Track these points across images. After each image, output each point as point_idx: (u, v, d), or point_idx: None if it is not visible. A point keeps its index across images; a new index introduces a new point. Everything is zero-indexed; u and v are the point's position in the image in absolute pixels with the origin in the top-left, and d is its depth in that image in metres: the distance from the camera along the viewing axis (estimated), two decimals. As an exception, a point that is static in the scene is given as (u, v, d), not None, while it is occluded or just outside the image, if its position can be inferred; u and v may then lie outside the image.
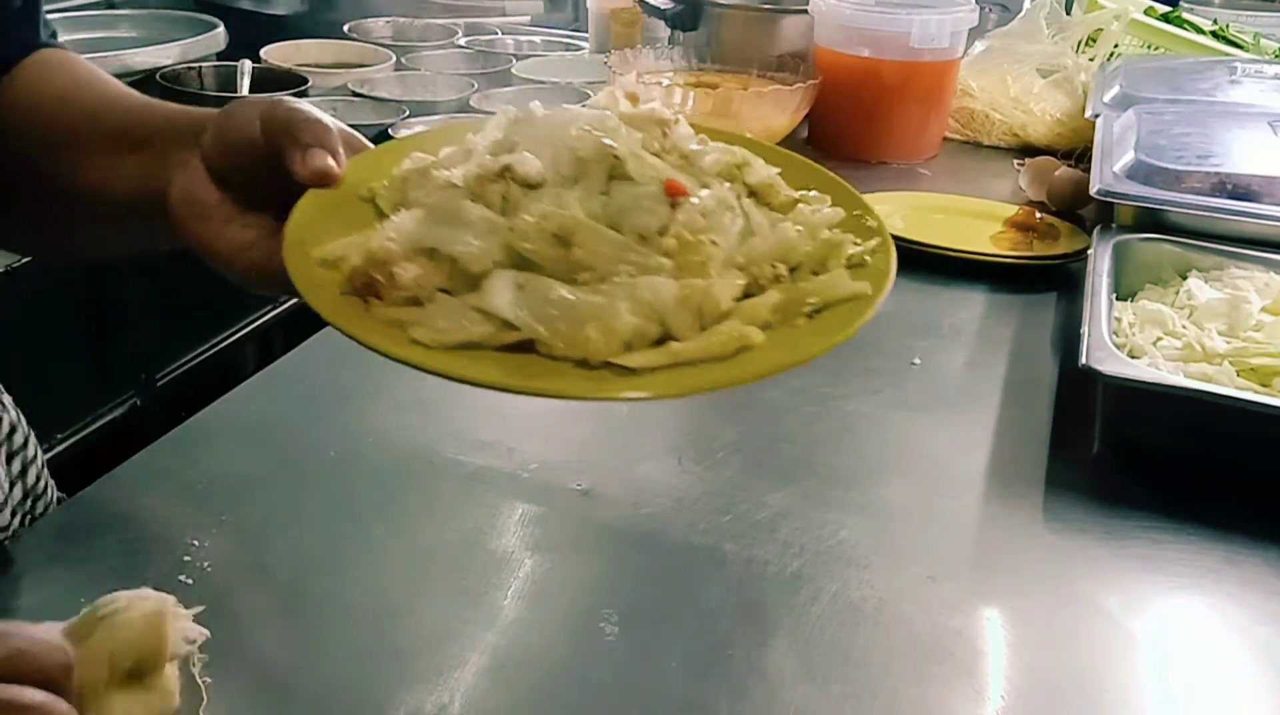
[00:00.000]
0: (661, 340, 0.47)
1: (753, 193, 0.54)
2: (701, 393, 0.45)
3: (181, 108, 0.66)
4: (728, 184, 0.54)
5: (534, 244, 0.47)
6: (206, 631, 0.55)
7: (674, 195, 0.49)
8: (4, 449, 0.77)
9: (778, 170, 0.56)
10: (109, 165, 0.65)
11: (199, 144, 0.60)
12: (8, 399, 0.80)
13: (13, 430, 0.79)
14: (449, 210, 0.49)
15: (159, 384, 1.58)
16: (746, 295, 0.49)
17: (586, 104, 0.58)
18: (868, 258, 0.52)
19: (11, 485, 0.76)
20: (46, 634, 0.48)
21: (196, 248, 0.60)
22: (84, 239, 0.74)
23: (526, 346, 0.46)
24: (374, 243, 0.48)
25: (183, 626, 0.54)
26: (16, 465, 0.79)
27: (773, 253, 0.51)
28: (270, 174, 0.57)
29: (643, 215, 0.49)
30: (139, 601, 0.53)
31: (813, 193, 0.55)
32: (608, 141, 0.50)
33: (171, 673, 0.53)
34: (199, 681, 0.56)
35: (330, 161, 0.55)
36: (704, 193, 0.51)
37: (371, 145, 0.61)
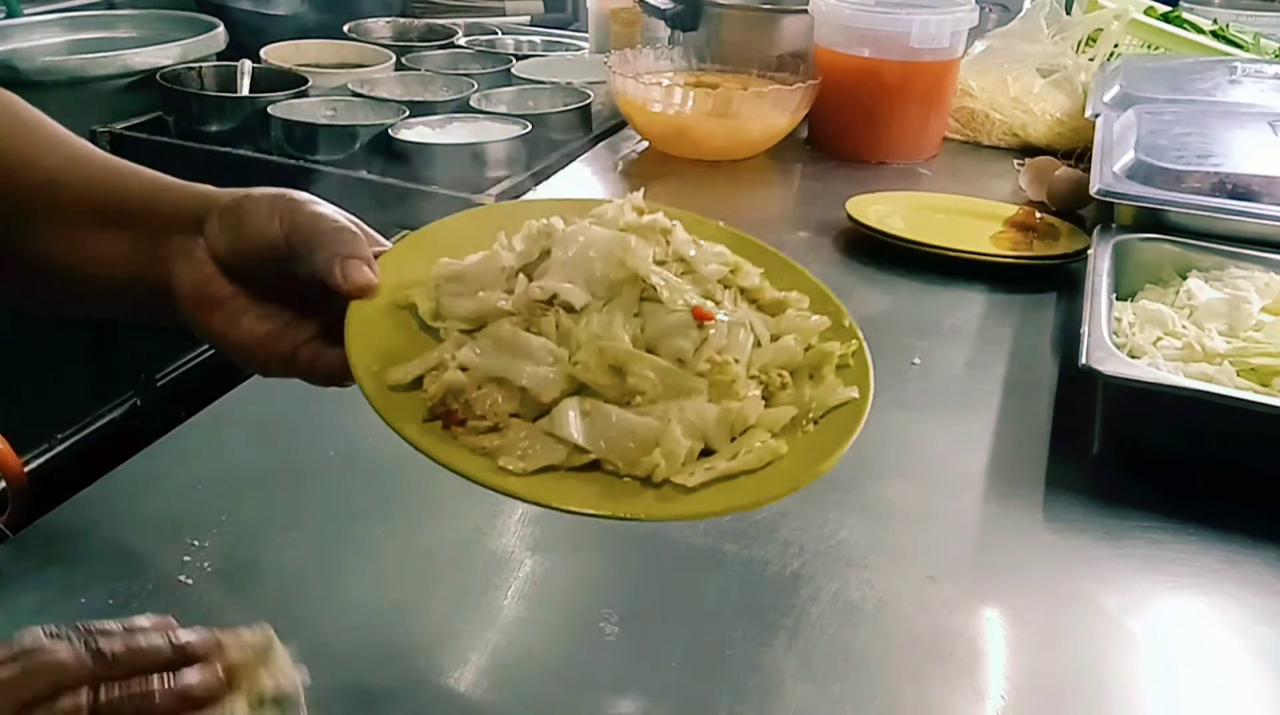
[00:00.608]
0: (703, 451, 0.54)
1: (743, 291, 0.62)
2: (748, 510, 0.55)
3: (167, 183, 0.63)
4: (727, 290, 0.60)
5: (595, 376, 0.54)
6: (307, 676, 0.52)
7: (700, 320, 0.56)
8: None
9: (760, 271, 0.63)
10: (83, 240, 0.62)
11: (203, 234, 0.60)
12: None
13: None
14: (510, 340, 0.55)
15: (159, 384, 1.58)
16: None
17: (596, 213, 0.62)
18: (850, 361, 0.59)
19: None
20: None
21: (210, 339, 0.61)
22: (68, 306, 0.71)
23: (594, 464, 0.53)
24: (449, 375, 0.54)
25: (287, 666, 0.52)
26: None
27: (778, 362, 0.58)
28: (288, 270, 0.57)
29: (677, 340, 0.56)
30: (255, 633, 0.52)
31: (794, 294, 0.63)
32: (640, 269, 0.57)
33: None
34: None
35: (369, 275, 0.58)
36: (721, 314, 0.58)
37: (382, 239, 0.62)
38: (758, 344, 0.59)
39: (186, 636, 0.49)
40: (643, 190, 0.65)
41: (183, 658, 0.48)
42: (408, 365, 0.55)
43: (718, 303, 0.59)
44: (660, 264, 0.59)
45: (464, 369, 0.54)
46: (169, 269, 0.60)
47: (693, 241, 0.62)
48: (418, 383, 0.55)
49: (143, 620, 0.50)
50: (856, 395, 0.57)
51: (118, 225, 0.62)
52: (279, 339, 0.60)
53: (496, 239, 0.61)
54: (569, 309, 0.56)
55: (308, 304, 0.60)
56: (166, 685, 0.47)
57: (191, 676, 0.48)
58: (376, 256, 0.60)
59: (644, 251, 0.59)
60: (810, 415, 0.56)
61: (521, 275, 0.59)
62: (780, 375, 0.58)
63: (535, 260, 0.59)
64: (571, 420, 0.53)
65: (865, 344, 0.60)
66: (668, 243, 0.61)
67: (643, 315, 0.57)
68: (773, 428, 0.55)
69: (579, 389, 0.55)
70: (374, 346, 0.56)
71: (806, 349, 0.60)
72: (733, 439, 0.55)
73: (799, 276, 0.65)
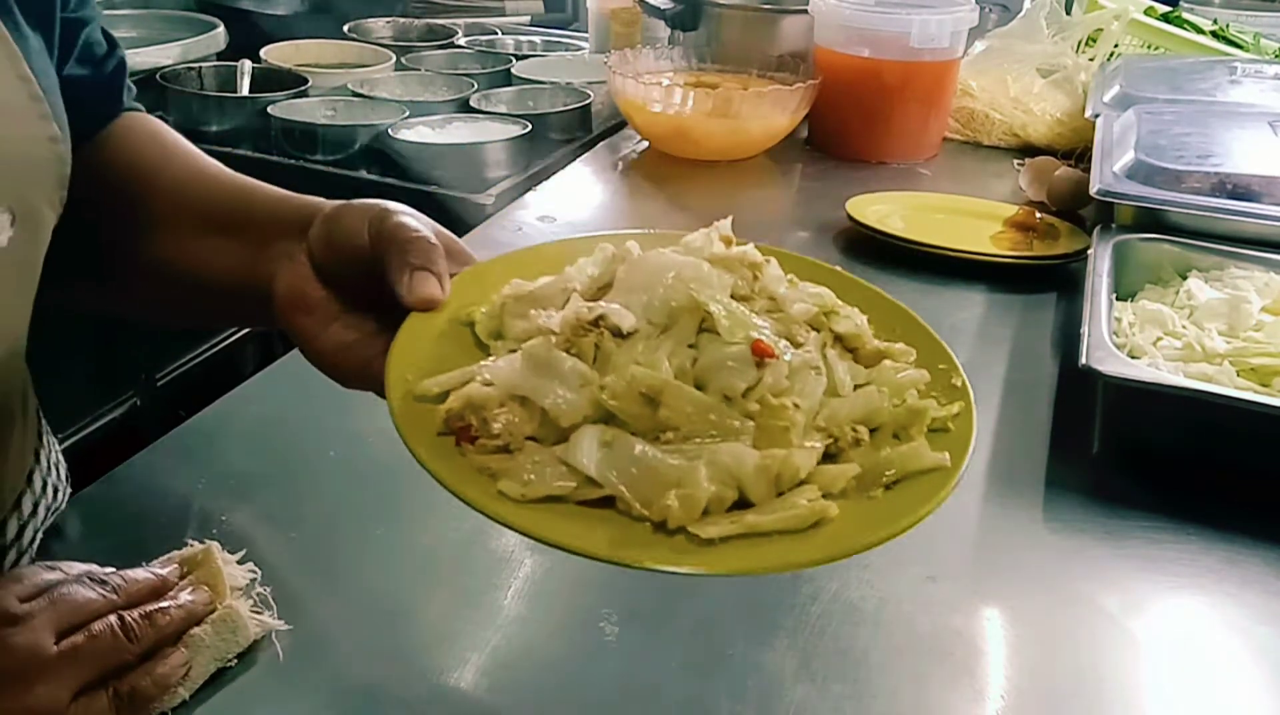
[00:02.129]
0: (738, 504, 0.48)
1: (838, 338, 0.56)
2: (777, 572, 0.49)
3: (283, 194, 0.67)
4: (814, 333, 0.55)
5: (622, 403, 0.49)
6: (256, 570, 0.64)
7: (760, 356, 0.51)
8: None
9: (863, 317, 0.57)
10: (203, 247, 0.66)
11: (305, 238, 0.61)
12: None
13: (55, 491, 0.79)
14: (544, 359, 0.51)
15: (159, 384, 1.58)
16: (826, 454, 0.50)
17: (684, 242, 0.58)
18: (950, 424, 0.52)
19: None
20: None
21: (298, 340, 0.61)
22: (182, 312, 0.76)
23: (606, 500, 0.48)
24: (471, 387, 0.51)
25: (233, 569, 0.63)
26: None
27: (855, 416, 0.52)
28: (376, 280, 0.58)
29: (729, 376, 0.50)
30: (189, 549, 0.63)
31: (899, 345, 0.56)
32: (701, 297, 0.52)
33: (239, 607, 0.60)
34: (265, 611, 0.62)
35: (435, 288, 0.56)
36: (788, 353, 0.52)
37: (473, 255, 0.61)
38: (835, 394, 0.52)
39: (155, 569, 0.60)
40: (729, 218, 0.60)
41: (165, 584, 0.59)
42: (440, 377, 0.52)
43: (797, 345, 0.53)
44: (743, 300, 0.55)
45: (489, 385, 0.51)
46: (272, 272, 0.62)
47: (787, 279, 0.57)
48: (447, 397, 0.52)
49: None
50: (947, 461, 0.50)
51: (235, 233, 0.65)
52: (360, 348, 0.59)
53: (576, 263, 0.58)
54: (617, 333, 0.52)
55: (392, 315, 0.60)
56: (170, 605, 0.57)
57: (186, 596, 0.58)
58: (454, 275, 0.59)
59: (718, 281, 0.54)
60: (884, 479, 0.49)
61: (577, 296, 0.55)
62: (855, 430, 0.51)
63: (603, 284, 0.56)
64: (587, 448, 0.48)
65: (975, 408, 0.53)
66: (755, 278, 0.56)
67: (698, 347, 0.52)
68: (831, 487, 0.49)
69: (608, 419, 0.50)
70: (418, 358, 0.54)
71: (899, 407, 0.53)
72: (780, 495, 0.48)
73: (915, 328, 0.59)
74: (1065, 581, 0.71)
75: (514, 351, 0.53)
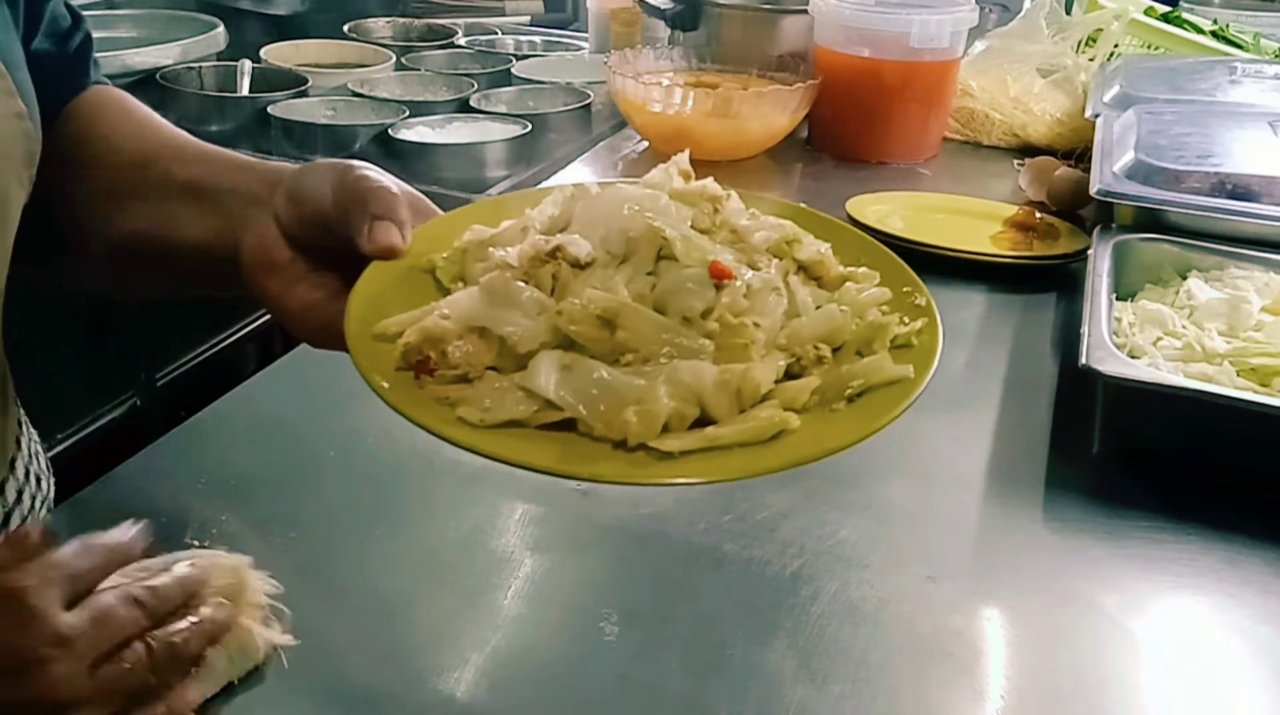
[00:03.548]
0: (700, 422, 0.48)
1: (802, 268, 0.56)
2: (737, 479, 0.48)
3: (249, 161, 0.67)
4: (776, 261, 0.55)
5: (580, 326, 0.49)
6: (281, 586, 0.61)
7: (719, 278, 0.51)
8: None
9: (827, 245, 0.57)
10: (173, 215, 0.66)
11: (271, 201, 0.61)
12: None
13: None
14: (501, 290, 0.51)
15: (159, 384, 1.58)
16: (789, 376, 0.50)
17: (645, 178, 0.59)
18: (914, 339, 0.53)
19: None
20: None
21: (266, 303, 0.61)
22: (145, 282, 0.75)
23: (568, 424, 0.47)
24: (429, 321, 0.50)
25: (256, 583, 0.60)
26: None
27: (816, 334, 0.52)
28: (341, 238, 0.58)
29: (687, 298, 0.50)
30: (220, 556, 0.60)
31: (862, 269, 0.56)
32: (657, 223, 0.52)
33: (254, 628, 0.58)
34: (277, 635, 0.60)
35: (395, 236, 0.57)
36: (748, 274, 0.52)
37: (439, 210, 0.61)
38: (796, 314, 0.53)
39: (181, 570, 0.56)
40: (687, 152, 0.60)
41: (187, 592, 0.55)
42: (399, 317, 0.52)
43: (758, 270, 0.53)
44: (704, 232, 0.54)
45: (448, 319, 0.51)
46: (239, 236, 0.62)
47: (750, 213, 0.58)
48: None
49: (123, 539, 0.54)
50: (910, 373, 0.50)
51: (203, 200, 0.65)
52: (327, 306, 0.59)
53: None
54: (575, 264, 0.52)
55: (357, 272, 0.60)
56: (193, 625, 0.54)
57: (207, 612, 0.55)
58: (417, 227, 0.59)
59: (677, 212, 0.54)
60: (847, 392, 0.49)
61: (534, 231, 0.55)
62: (817, 348, 0.51)
63: (564, 224, 0.56)
64: (545, 372, 0.48)
65: (940, 323, 0.54)
66: (716, 211, 0.56)
67: (657, 274, 0.52)
68: (793, 402, 0.49)
69: (567, 346, 0.50)
70: (379, 302, 0.54)
71: (862, 324, 0.53)
72: (743, 412, 0.48)
73: (880, 255, 0.59)
74: (1065, 581, 0.71)
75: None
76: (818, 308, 0.54)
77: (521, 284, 0.51)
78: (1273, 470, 0.78)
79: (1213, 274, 0.98)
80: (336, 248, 0.58)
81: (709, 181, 0.58)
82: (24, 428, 0.77)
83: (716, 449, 0.46)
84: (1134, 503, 0.78)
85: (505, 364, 0.50)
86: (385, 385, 0.49)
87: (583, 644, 0.64)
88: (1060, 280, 1.14)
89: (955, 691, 0.62)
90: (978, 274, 1.14)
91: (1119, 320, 0.92)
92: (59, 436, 1.36)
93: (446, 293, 0.55)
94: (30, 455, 0.77)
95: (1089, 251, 1.01)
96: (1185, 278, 0.98)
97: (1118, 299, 0.96)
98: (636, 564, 0.71)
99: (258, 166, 0.66)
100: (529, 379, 0.48)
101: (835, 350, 0.52)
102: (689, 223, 0.55)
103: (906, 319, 0.54)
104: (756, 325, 0.50)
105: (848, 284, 0.56)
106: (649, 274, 0.52)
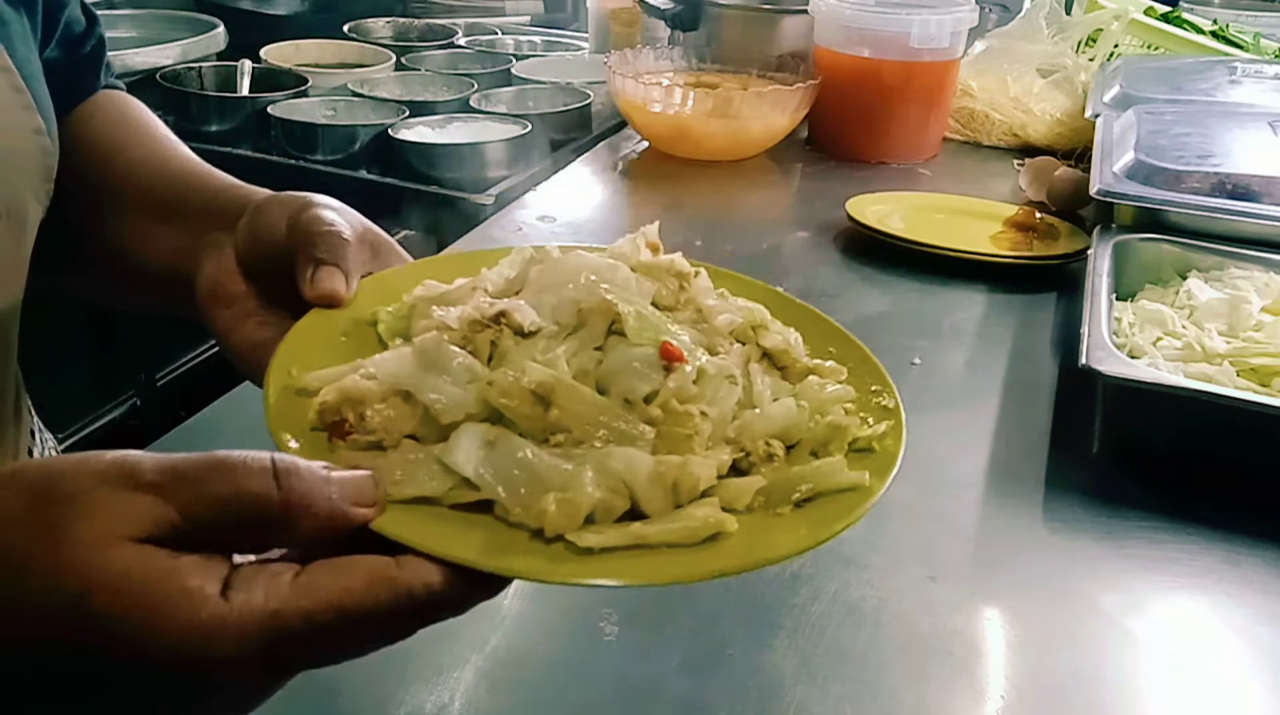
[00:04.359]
0: (632, 515, 0.44)
1: (767, 355, 0.53)
2: (660, 585, 0.42)
3: (225, 184, 0.65)
4: (739, 346, 0.52)
5: (510, 400, 0.45)
6: None
7: (669, 360, 0.47)
8: None
9: (797, 334, 0.54)
10: (146, 233, 0.65)
11: (230, 231, 0.60)
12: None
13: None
14: (433, 353, 0.47)
15: (159, 384, 1.59)
16: (736, 471, 0.47)
17: (610, 248, 0.56)
18: (876, 443, 0.49)
19: None
20: None
21: (215, 334, 0.60)
22: (126, 296, 0.74)
23: (484, 505, 0.44)
24: (349, 380, 0.47)
25: None
26: None
27: (770, 430, 0.48)
28: (293, 275, 0.56)
29: (632, 378, 0.47)
30: None
31: (829, 363, 0.54)
32: (610, 296, 0.49)
33: None
34: None
35: (340, 284, 0.54)
36: (702, 358, 0.49)
37: (405, 255, 0.59)
38: (751, 406, 0.49)
39: None
40: (657, 224, 0.57)
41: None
42: (322, 372, 0.48)
43: (717, 354, 0.50)
44: (667, 310, 0.52)
45: (373, 378, 0.47)
46: (199, 259, 0.61)
47: (718, 293, 0.55)
48: None
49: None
50: (865, 480, 0.46)
51: (173, 220, 0.64)
52: (272, 347, 0.55)
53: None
54: (519, 332, 0.48)
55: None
56: None
57: None
58: (368, 276, 0.56)
59: (638, 287, 0.51)
60: (795, 496, 0.46)
61: (482, 293, 0.52)
62: (769, 444, 0.48)
63: (519, 287, 0.53)
64: (465, 447, 0.44)
65: (905, 428, 0.50)
66: (682, 288, 0.53)
67: (605, 350, 0.49)
68: (734, 503, 0.45)
69: (495, 420, 0.46)
70: (309, 354, 0.50)
71: (820, 423, 0.50)
72: (680, 508, 0.44)
73: (851, 348, 0.56)
74: (1065, 581, 0.71)
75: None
76: (775, 400, 0.50)
77: (456, 348, 0.48)
78: (1273, 470, 0.78)
79: (1213, 274, 0.98)
80: (290, 286, 0.56)
81: (677, 256, 0.55)
82: (37, 436, 0.77)
83: (642, 547, 0.42)
84: (1134, 503, 0.78)
85: (426, 433, 0.46)
86: (293, 446, 0.45)
87: (583, 644, 0.64)
88: (1060, 280, 1.14)
89: (955, 691, 0.62)
90: (978, 274, 1.14)
91: (1119, 320, 0.92)
92: (59, 436, 1.36)
93: (386, 349, 0.51)
94: None
95: (1089, 251, 1.01)
96: (1185, 278, 0.98)
97: (1118, 299, 0.96)
98: (636, 564, 0.71)
99: (230, 190, 0.64)
100: (447, 453, 0.44)
101: (789, 448, 0.49)
102: (650, 299, 0.51)
103: (871, 420, 0.50)
104: (703, 414, 0.46)
105: (811, 377, 0.52)
106: (596, 349, 0.49)
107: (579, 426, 0.45)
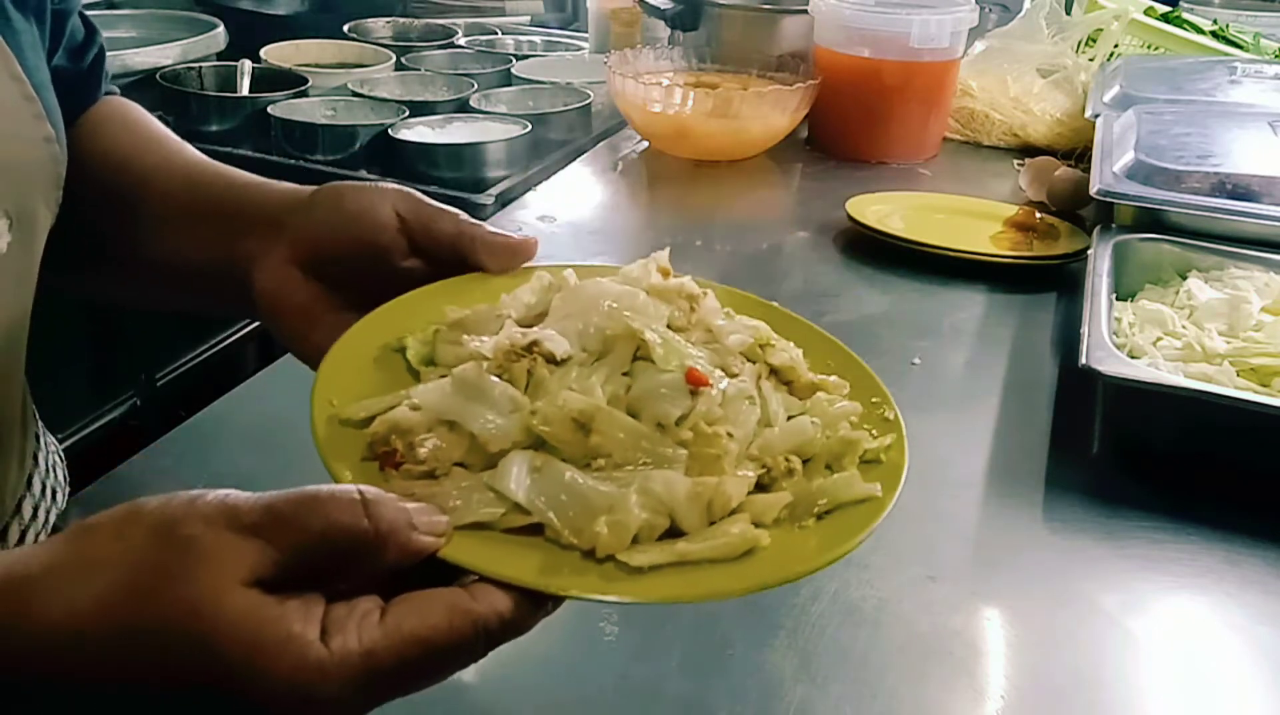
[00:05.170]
0: (668, 532, 0.47)
1: (774, 372, 0.55)
2: (705, 600, 0.47)
3: (255, 183, 0.65)
4: (750, 364, 0.54)
5: (553, 428, 0.48)
6: None
7: (695, 384, 0.50)
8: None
9: (799, 350, 0.57)
10: (175, 238, 0.65)
11: (281, 228, 0.60)
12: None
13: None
14: (474, 384, 0.50)
15: (159, 384, 1.59)
16: (760, 486, 0.50)
17: (623, 272, 0.58)
18: (882, 455, 0.52)
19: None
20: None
21: (283, 342, 0.60)
22: (159, 299, 0.75)
23: (534, 528, 0.46)
24: (397, 411, 0.49)
25: None
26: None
27: (788, 446, 0.51)
28: (371, 269, 0.57)
29: (663, 403, 0.50)
30: None
31: (833, 378, 0.56)
32: (635, 324, 0.52)
33: None
34: None
35: (514, 239, 0.58)
36: (724, 382, 0.52)
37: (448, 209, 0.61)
38: (769, 424, 0.52)
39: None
40: (667, 249, 0.59)
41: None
42: (367, 402, 0.50)
43: (732, 375, 0.53)
44: (679, 331, 0.54)
45: (417, 409, 0.49)
46: (248, 268, 0.61)
47: (725, 312, 0.58)
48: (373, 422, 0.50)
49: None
50: (878, 492, 0.49)
51: (203, 224, 0.64)
52: None
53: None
54: (550, 360, 0.51)
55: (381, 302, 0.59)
56: None
57: None
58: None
59: (653, 310, 0.54)
60: (815, 509, 0.49)
61: (510, 322, 0.55)
62: (788, 460, 0.51)
63: (539, 312, 0.56)
64: (515, 474, 0.46)
65: (906, 439, 0.53)
66: (692, 309, 0.56)
67: (633, 375, 0.51)
68: (762, 517, 0.48)
69: (538, 446, 0.48)
70: (346, 382, 0.52)
71: (832, 438, 0.53)
72: (712, 524, 0.47)
73: (849, 363, 0.59)
74: (1065, 581, 0.71)
75: (445, 377, 0.52)
76: (789, 417, 0.53)
77: (495, 379, 0.50)
78: (1273, 470, 0.78)
79: (1213, 274, 0.98)
80: (363, 282, 0.57)
81: (686, 280, 0.57)
82: (42, 441, 0.77)
83: (685, 564, 0.45)
84: (1134, 503, 0.78)
85: (474, 461, 0.48)
86: (349, 476, 0.47)
87: (583, 644, 0.64)
88: (1060, 280, 1.14)
89: (955, 691, 0.62)
90: (978, 274, 1.14)
91: (1119, 320, 0.92)
92: (59, 436, 1.36)
93: (416, 375, 0.54)
94: (48, 468, 0.76)
95: (1089, 251, 1.01)
96: (1185, 278, 0.98)
97: (1118, 299, 0.96)
98: (636, 564, 0.71)
99: (263, 188, 0.64)
100: (498, 481, 0.46)
101: (805, 462, 0.51)
102: (665, 321, 0.54)
103: (875, 432, 0.54)
104: (730, 435, 0.49)
105: (819, 394, 0.55)
106: (624, 375, 0.51)
107: (619, 451, 0.48)
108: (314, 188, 0.62)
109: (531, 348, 0.51)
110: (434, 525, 0.43)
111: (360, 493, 0.42)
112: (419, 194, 0.59)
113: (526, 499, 0.46)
